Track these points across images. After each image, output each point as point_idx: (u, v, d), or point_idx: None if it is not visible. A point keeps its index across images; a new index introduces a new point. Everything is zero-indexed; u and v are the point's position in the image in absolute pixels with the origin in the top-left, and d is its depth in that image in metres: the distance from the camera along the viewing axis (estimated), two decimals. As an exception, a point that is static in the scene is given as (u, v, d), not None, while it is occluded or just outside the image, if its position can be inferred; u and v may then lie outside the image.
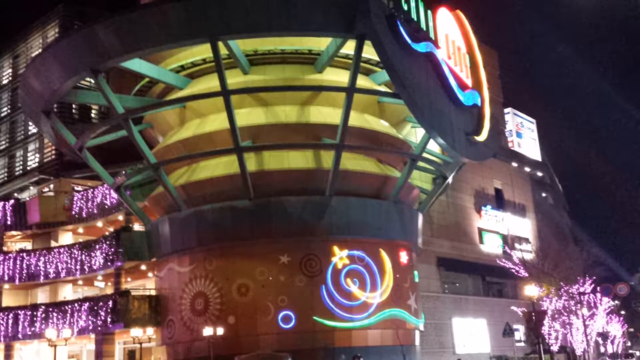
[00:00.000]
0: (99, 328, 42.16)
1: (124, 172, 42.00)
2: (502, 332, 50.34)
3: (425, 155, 41.57)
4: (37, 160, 59.14)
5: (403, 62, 35.99)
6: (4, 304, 48.34)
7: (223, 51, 36.00)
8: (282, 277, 37.84)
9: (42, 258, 46.61)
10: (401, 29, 35.95)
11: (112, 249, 43.11)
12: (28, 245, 52.35)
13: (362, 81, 38.87)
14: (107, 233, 45.63)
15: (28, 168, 60.06)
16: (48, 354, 43.52)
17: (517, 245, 64.42)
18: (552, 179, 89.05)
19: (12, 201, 51.10)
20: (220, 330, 36.50)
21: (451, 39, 41.40)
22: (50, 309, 44.39)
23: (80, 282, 49.29)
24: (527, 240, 68.87)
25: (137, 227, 45.39)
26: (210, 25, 34.02)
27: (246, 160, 37.06)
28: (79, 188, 52.89)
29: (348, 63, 38.89)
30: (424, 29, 38.81)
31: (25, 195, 58.29)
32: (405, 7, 37.40)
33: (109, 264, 43.46)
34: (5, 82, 65.37)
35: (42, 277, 46.57)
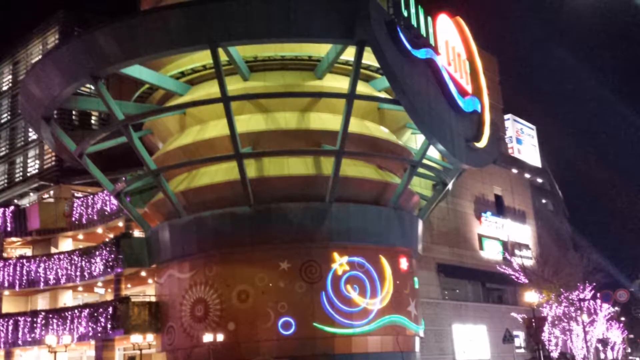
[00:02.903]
0: (99, 334, 42.13)
1: (124, 178, 41.99)
2: (502, 339, 50.32)
3: (425, 161, 41.52)
4: (37, 166, 59.16)
5: (403, 68, 36.02)
6: (3, 310, 48.31)
7: (223, 57, 36.04)
8: (282, 284, 37.81)
9: (42, 264, 46.59)
10: (401, 35, 35.98)
11: (112, 256, 43.06)
12: (28, 252, 52.27)
13: (362, 87, 38.91)
14: (107, 239, 45.59)
15: (28, 174, 60.06)
16: (48, 361, 43.49)
17: (517, 252, 64.35)
18: (552, 185, 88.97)
19: (12, 207, 51.12)
20: (220, 337, 36.45)
21: (451, 46, 41.46)
22: (50, 316, 44.37)
23: (80, 289, 49.30)
24: (527, 247, 68.79)
25: (137, 233, 45.35)
26: (210, 32, 34.03)
27: (246, 167, 37.06)
28: (79, 194, 52.93)
29: (348, 69, 38.93)
30: (424, 35, 38.87)
31: (25, 202, 58.27)
32: (405, 14, 37.47)
33: (109, 270, 43.42)
34: (5, 88, 65.41)
35: (42, 284, 46.55)
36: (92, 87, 44.53)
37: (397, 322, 39.67)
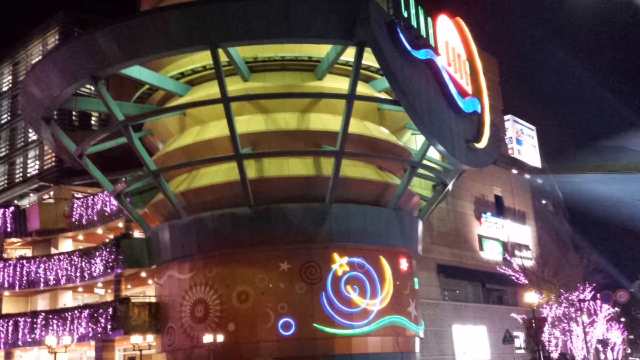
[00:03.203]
0: (99, 335, 42.10)
1: (124, 179, 41.97)
2: (502, 339, 50.29)
3: (425, 162, 41.55)
4: (37, 167, 59.16)
5: (403, 69, 36.01)
6: (4, 311, 48.29)
7: (223, 58, 36.03)
8: (282, 284, 37.80)
9: (42, 265, 46.58)
10: (401, 36, 35.97)
11: (112, 256, 43.05)
12: (28, 252, 52.29)
13: (362, 88, 38.91)
14: (107, 240, 45.60)
15: (28, 175, 60.07)
16: (47, 361, 43.47)
17: (517, 252, 64.36)
18: (552, 186, 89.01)
19: (12, 208, 51.08)
20: (220, 337, 36.46)
21: (451, 46, 41.45)
22: (50, 316, 44.34)
23: (80, 289, 49.26)
24: (527, 247, 68.82)
25: (137, 234, 45.34)
26: (210, 32, 34.04)
27: (246, 168, 37.05)
28: (79, 195, 52.89)
29: (348, 70, 38.92)
30: (424, 36, 38.89)
31: (25, 202, 58.27)
32: (405, 14, 37.50)
33: (109, 271, 43.40)
34: (5, 89, 65.42)
35: (42, 284, 46.54)
36: (92, 88, 44.55)
37: (397, 323, 39.66)
